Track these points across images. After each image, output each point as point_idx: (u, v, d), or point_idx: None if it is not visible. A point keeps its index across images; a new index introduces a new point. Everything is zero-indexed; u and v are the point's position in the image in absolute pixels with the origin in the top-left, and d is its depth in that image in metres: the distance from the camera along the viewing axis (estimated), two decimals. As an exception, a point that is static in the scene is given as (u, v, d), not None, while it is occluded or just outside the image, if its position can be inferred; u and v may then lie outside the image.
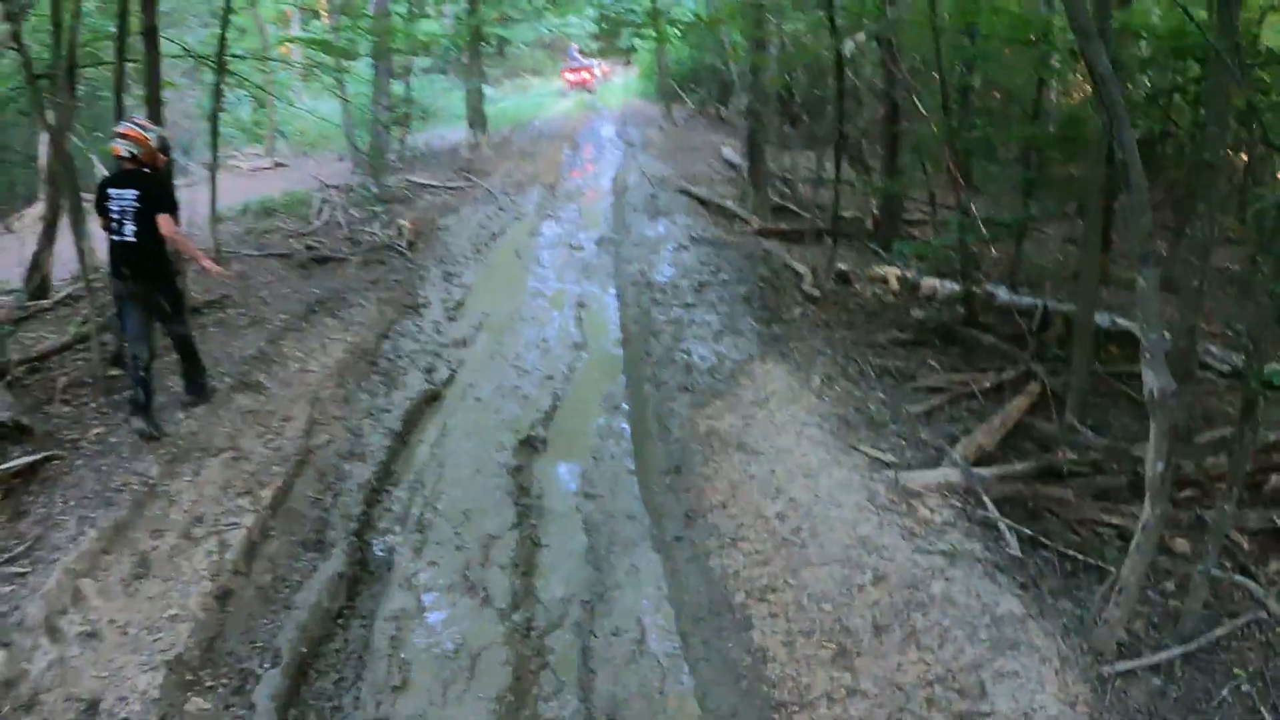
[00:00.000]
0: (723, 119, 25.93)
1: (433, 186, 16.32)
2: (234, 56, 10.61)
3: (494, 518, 5.98)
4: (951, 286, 9.52)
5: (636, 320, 9.02)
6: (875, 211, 12.90)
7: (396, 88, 20.58)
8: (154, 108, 7.80)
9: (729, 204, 13.50)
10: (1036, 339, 7.94)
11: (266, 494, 5.99)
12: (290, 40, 13.09)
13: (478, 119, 21.65)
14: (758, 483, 5.45)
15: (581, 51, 37.53)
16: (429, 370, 8.32)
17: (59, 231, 8.68)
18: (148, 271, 6.24)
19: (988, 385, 7.26)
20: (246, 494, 5.97)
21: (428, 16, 27.50)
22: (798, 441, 5.91)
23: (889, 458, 5.96)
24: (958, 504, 5.51)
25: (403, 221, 13.23)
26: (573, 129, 25.20)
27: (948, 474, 5.75)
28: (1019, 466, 5.92)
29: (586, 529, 5.91)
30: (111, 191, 6.12)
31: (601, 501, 6.22)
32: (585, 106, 31.32)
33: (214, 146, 10.71)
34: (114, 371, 7.25)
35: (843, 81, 9.41)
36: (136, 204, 6.05)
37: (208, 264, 6.46)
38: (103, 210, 6.16)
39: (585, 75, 34.78)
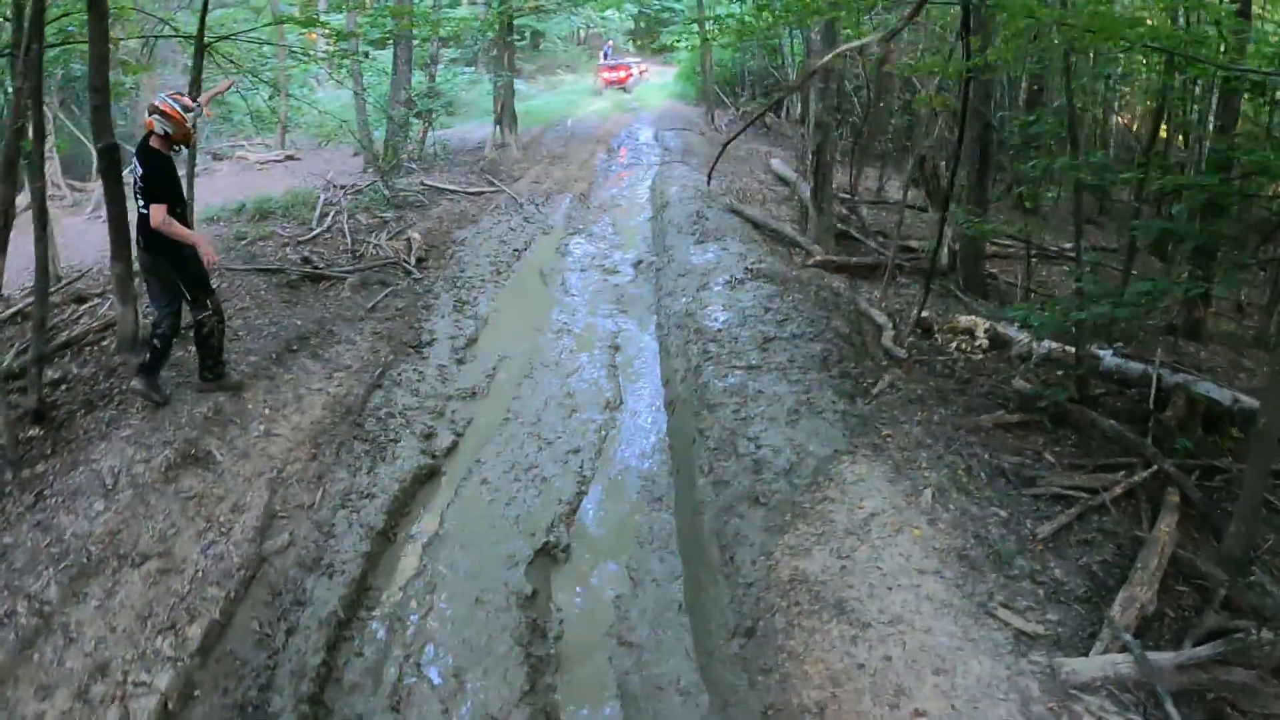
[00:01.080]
0: (768, 127, 24.28)
1: (451, 191, 14.74)
2: (224, 38, 9.06)
3: (497, 681, 4.39)
4: (1048, 345, 7.86)
5: (685, 379, 7.38)
6: (953, 245, 11.21)
7: (418, 79, 19.08)
8: (98, 93, 6.28)
9: (787, 229, 11.83)
10: (1156, 421, 6.33)
11: (196, 631, 4.47)
12: (291, 21, 11.45)
13: (506, 116, 20.07)
14: (870, 678, 3.81)
15: (618, 49, 35.91)
16: (428, 436, 6.74)
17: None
18: (157, 247, 5.97)
19: (1119, 491, 5.65)
20: (170, 630, 4.45)
21: (458, 3, 26.03)
22: (917, 602, 4.27)
23: (1036, 628, 4.31)
24: (1131, 708, 3.88)
25: (413, 234, 11.67)
26: (608, 131, 23.60)
27: (1115, 663, 4.12)
28: (1203, 651, 4.28)
29: (622, 700, 4.31)
30: (136, 162, 5.91)
31: (642, 656, 4.62)
32: (621, 107, 29.68)
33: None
34: (33, 431, 5.73)
35: (966, 106, 7.72)
36: (141, 184, 5.84)
37: (206, 250, 6.03)
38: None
39: (622, 74, 33.15)
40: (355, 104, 16.42)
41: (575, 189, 16.05)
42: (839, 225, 12.52)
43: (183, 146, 6.17)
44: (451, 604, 4.91)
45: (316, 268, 10.07)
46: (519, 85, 26.18)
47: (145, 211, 5.81)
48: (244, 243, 10.86)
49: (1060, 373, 7.73)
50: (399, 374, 7.66)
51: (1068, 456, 6.20)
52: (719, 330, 8.04)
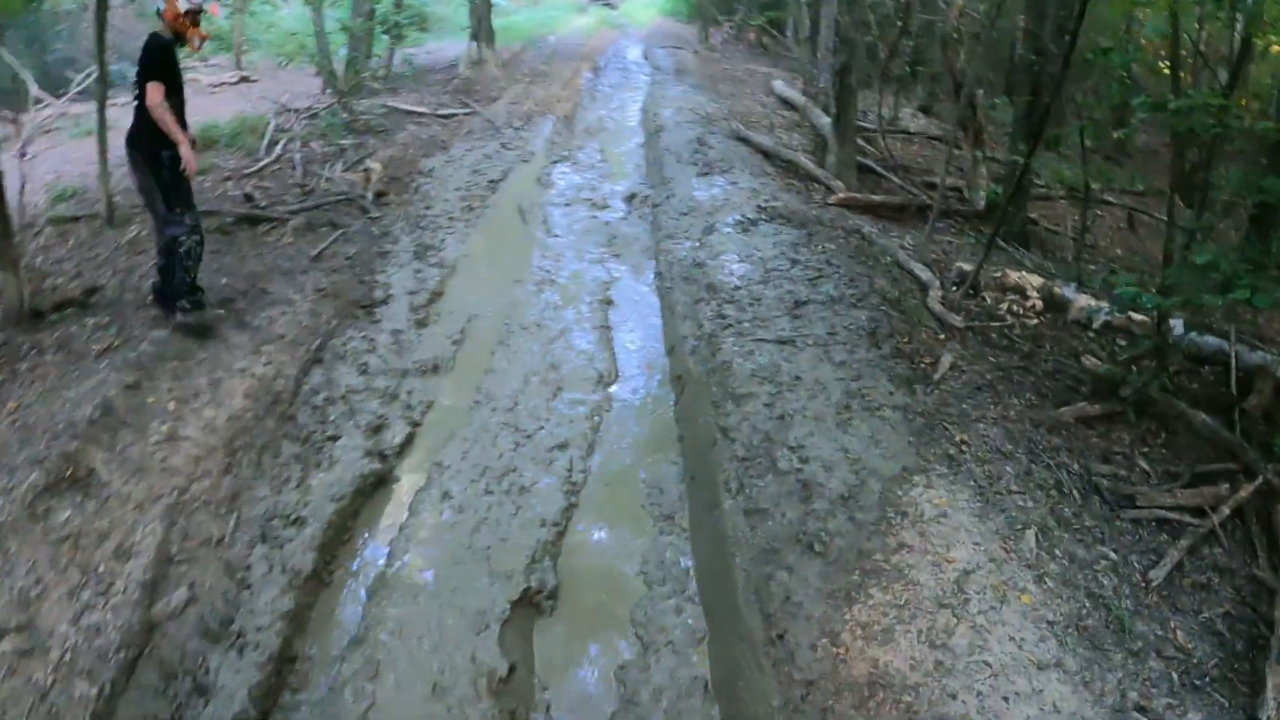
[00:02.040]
0: (765, 47, 22.49)
1: (419, 114, 13.08)
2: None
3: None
4: (1108, 310, 6.58)
5: (696, 350, 6.01)
6: (989, 185, 9.81)
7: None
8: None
9: (803, 161, 10.32)
10: (1241, 411, 5.12)
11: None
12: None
13: (484, 31, 18.23)
14: None
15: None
16: (376, 428, 5.37)
17: None
18: (139, 141, 5.59)
19: (1227, 511, 4.46)
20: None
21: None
22: (1041, 716, 3.02)
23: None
24: None
25: (372, 164, 10.12)
26: (593, 49, 21.77)
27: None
28: None
29: None
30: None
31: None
32: (608, 23, 27.77)
33: (100, 64, 7.61)
34: None
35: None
36: (137, 68, 5.56)
37: (186, 154, 5.58)
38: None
39: (609, -13, 31.10)
40: (313, 17, 14.60)
41: (558, 111, 14.44)
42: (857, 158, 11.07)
43: (177, 36, 5.70)
44: (399, 695, 3.60)
45: (257, 207, 8.57)
46: (498, 1, 24.22)
47: (139, 103, 5.48)
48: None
49: (1123, 343, 6.46)
50: (344, 344, 6.24)
51: (1159, 460, 5.02)
52: (736, 288, 6.66)
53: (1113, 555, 4.13)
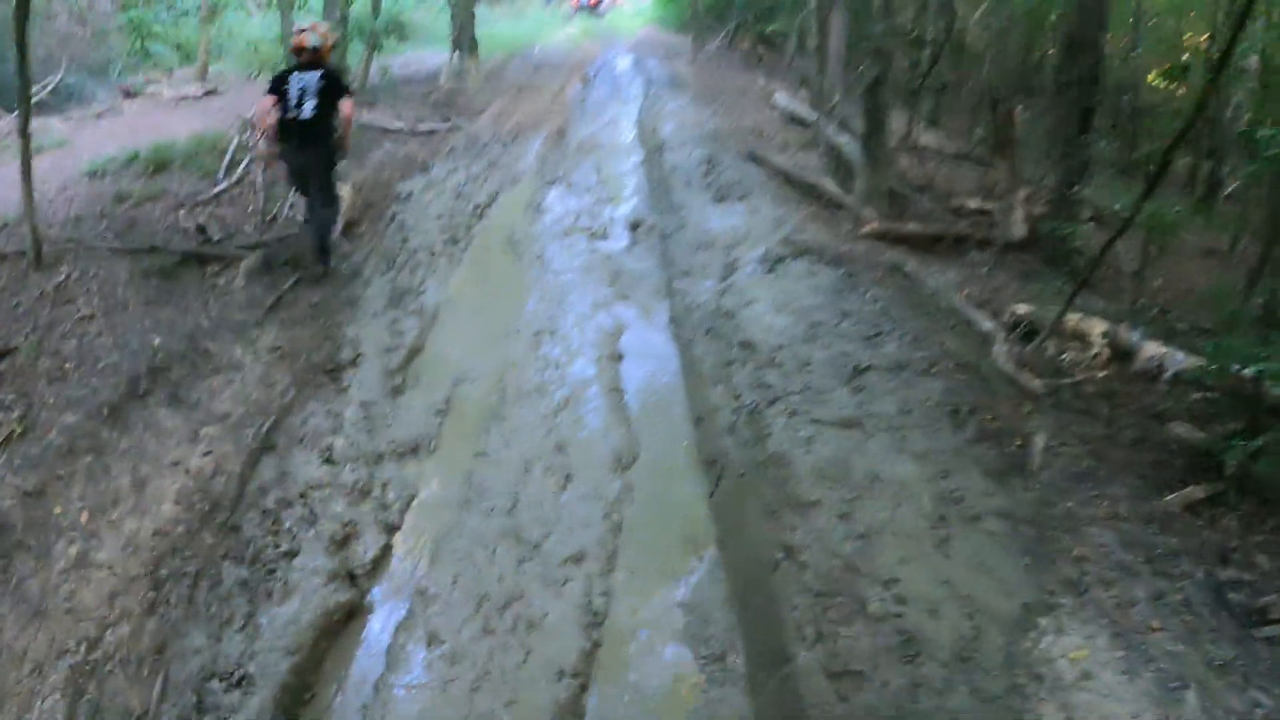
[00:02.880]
0: (760, 58, 21.54)
1: (396, 131, 12.00)
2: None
3: None
4: (1180, 359, 5.64)
5: (735, 428, 4.97)
6: (1031, 211, 8.86)
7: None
8: None
9: (828, 185, 9.28)
10: None
11: None
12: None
13: (465, 40, 17.19)
14: None
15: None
16: (343, 540, 4.29)
17: None
18: (316, 141, 7.02)
19: None
20: None
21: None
22: None
23: None
24: None
25: (342, 189, 9.03)
26: (581, 59, 20.77)
27: None
28: None
29: None
30: (293, 77, 6.94)
31: None
32: (593, 34, 26.77)
33: (23, 75, 6.54)
34: None
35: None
36: (320, 83, 6.88)
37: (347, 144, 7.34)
38: (279, 93, 6.91)
39: (595, -2, 30.21)
40: (281, 24, 13.48)
41: (548, 126, 13.40)
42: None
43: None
44: None
45: (209, 240, 7.49)
46: (480, 11, 23.25)
47: (310, 117, 6.85)
48: (125, 206, 8.21)
49: (1199, 396, 5.51)
50: (303, 423, 5.15)
51: (1273, 550, 4.08)
52: (778, 347, 5.65)
53: (1265, 700, 3.17)
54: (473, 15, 17.65)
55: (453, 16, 17.38)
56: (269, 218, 8.40)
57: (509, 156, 11.44)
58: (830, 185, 9.21)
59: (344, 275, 7.30)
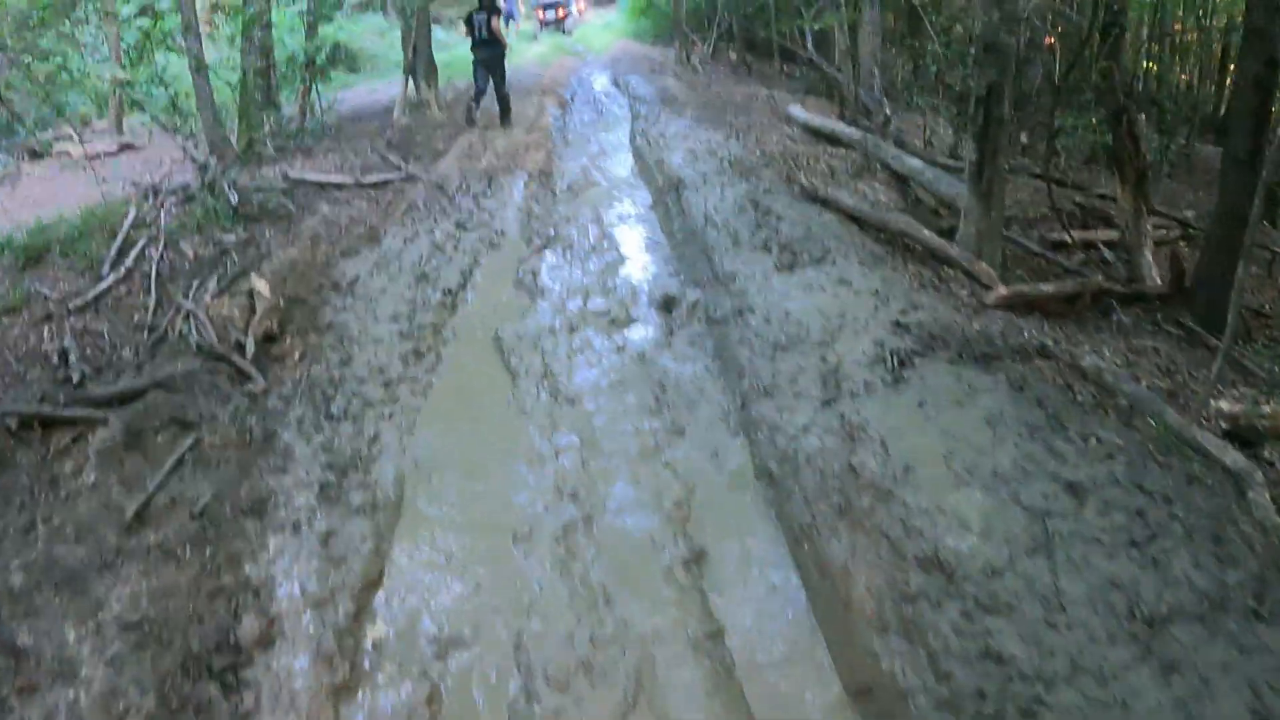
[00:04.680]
0: (749, 67, 19.22)
1: (336, 186, 9.42)
2: None
3: None
4: None
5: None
6: (1181, 253, 6.52)
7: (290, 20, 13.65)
8: None
9: (927, 236, 6.72)
10: None
11: None
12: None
13: (421, 64, 14.66)
14: None
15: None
16: None
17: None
18: (490, 48, 12.71)
19: None
20: None
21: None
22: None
23: None
24: None
25: (258, 282, 6.46)
26: (554, 79, 18.32)
27: None
28: None
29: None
30: (475, 16, 12.56)
31: None
32: (563, 50, 24.43)
33: None
34: None
35: None
36: (485, 15, 12.43)
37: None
38: (470, 24, 12.72)
39: (560, 12, 28.11)
40: (192, 66, 10.81)
41: (529, 163, 10.91)
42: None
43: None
44: None
45: (68, 380, 4.99)
46: (439, 35, 20.80)
47: (485, 36, 12.68)
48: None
49: None
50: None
51: None
52: (990, 566, 3.14)
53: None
54: (429, 34, 15.13)
55: (404, 36, 14.81)
56: (156, 334, 5.87)
57: (483, 211, 8.90)
58: (925, 232, 6.72)
59: (254, 436, 4.75)
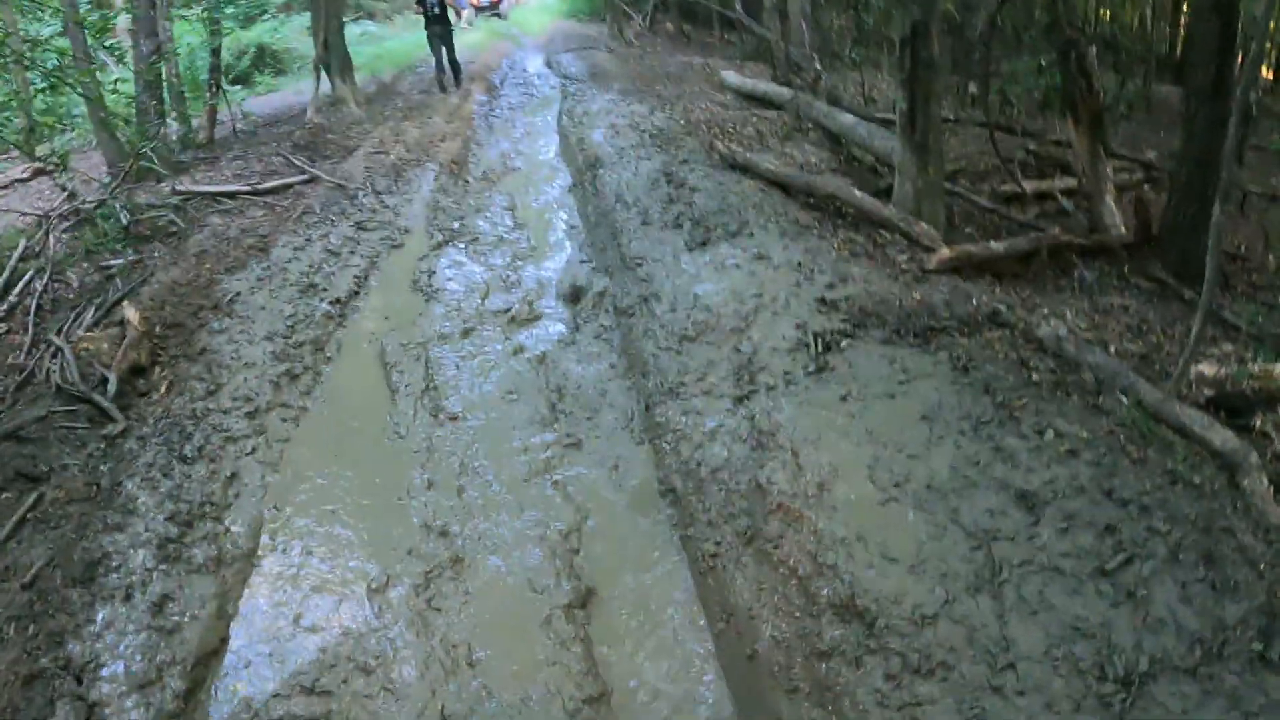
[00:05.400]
0: (687, 36, 18.48)
1: (229, 196, 8.65)
2: None
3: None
4: None
5: None
6: (1145, 196, 5.95)
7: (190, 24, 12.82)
8: None
9: (857, 197, 6.03)
10: None
11: None
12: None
13: (335, 59, 13.80)
14: None
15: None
16: None
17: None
18: (442, 23, 13.37)
19: None
20: None
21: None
22: None
23: None
24: None
25: (129, 312, 5.76)
26: (485, 64, 17.47)
27: None
28: None
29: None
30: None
31: None
32: (498, 34, 23.50)
33: None
34: None
35: None
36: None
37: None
38: (422, 3, 13.21)
39: (494, -2, 27.17)
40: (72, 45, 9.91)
41: (442, 153, 10.20)
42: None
43: None
44: None
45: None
46: (369, 27, 19.87)
47: (438, 10, 13.31)
48: None
49: None
50: None
51: None
52: (921, 615, 2.57)
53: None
54: (341, 28, 14.27)
55: (314, 28, 13.96)
56: (26, 375, 5.19)
57: (387, 207, 8.22)
58: (857, 193, 6.07)
59: (101, 487, 4.09)
